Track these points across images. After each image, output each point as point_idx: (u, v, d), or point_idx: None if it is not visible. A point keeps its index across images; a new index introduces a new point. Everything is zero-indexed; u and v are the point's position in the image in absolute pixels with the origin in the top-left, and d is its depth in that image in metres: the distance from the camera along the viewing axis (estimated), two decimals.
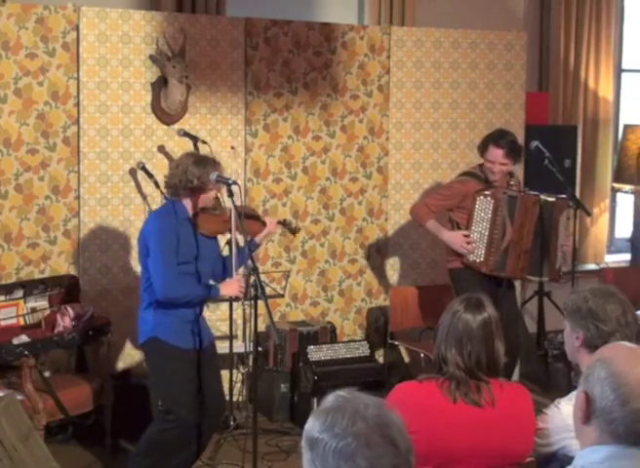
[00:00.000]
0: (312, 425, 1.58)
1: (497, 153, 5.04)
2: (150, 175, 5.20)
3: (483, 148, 5.14)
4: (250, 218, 4.43)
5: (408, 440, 1.57)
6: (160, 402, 4.23)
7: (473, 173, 5.24)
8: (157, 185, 5.10)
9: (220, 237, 4.45)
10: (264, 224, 4.46)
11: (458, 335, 2.71)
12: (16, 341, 4.53)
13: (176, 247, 3.99)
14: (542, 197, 5.09)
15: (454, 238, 5.14)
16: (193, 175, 4.04)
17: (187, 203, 4.12)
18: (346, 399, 1.59)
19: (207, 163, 4.13)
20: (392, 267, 6.09)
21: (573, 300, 2.69)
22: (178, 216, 4.09)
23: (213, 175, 4.39)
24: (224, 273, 4.31)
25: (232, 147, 4.90)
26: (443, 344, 2.74)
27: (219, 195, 4.27)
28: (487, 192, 5.07)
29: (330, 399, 1.61)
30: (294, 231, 4.70)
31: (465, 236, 5.08)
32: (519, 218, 5.04)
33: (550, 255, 5.09)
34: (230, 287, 4.17)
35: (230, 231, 4.23)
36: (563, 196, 5.19)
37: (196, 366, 4.11)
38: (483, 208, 5.07)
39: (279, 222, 4.58)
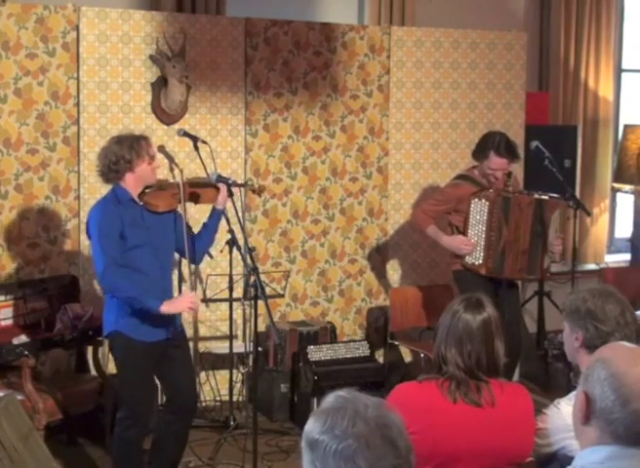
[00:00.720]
0: (312, 426, 1.57)
1: (500, 162, 5.04)
2: None
3: (482, 156, 5.10)
4: (203, 187, 4.35)
5: (408, 440, 1.57)
6: (118, 393, 4.17)
7: (467, 176, 5.25)
8: None
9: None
10: (216, 190, 4.36)
11: (457, 335, 2.71)
12: (16, 341, 4.53)
13: (121, 231, 3.93)
14: (537, 196, 5.09)
15: (452, 242, 5.15)
16: (115, 155, 3.98)
17: (125, 184, 4.03)
18: (346, 399, 1.59)
19: (127, 139, 4.05)
20: (392, 267, 6.09)
21: (571, 301, 2.69)
22: (120, 200, 4.01)
23: (213, 176, 4.38)
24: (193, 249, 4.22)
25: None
26: (443, 344, 2.74)
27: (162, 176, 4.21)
28: (481, 194, 5.07)
29: (329, 399, 1.61)
30: (255, 190, 4.61)
31: (464, 240, 5.09)
32: (514, 219, 5.04)
33: (540, 254, 5.10)
34: (177, 304, 4.00)
35: (181, 202, 4.17)
36: (556, 195, 5.18)
37: (160, 356, 4.05)
38: (478, 210, 5.07)
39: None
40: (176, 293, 4.26)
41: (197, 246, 4.24)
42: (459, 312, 2.74)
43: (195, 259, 4.38)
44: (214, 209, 4.33)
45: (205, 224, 4.35)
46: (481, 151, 5.12)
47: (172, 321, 4.14)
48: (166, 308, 3.92)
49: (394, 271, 6.09)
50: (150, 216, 4.07)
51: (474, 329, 2.71)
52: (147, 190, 4.11)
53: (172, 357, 4.10)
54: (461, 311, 2.74)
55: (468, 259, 5.10)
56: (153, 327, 4.02)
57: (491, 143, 5.06)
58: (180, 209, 4.20)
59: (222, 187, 4.28)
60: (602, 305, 2.62)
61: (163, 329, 4.06)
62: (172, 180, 4.36)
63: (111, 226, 3.93)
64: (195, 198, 4.35)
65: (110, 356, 4.69)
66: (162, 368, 4.10)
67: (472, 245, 5.07)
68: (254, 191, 4.65)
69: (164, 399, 4.33)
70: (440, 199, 5.27)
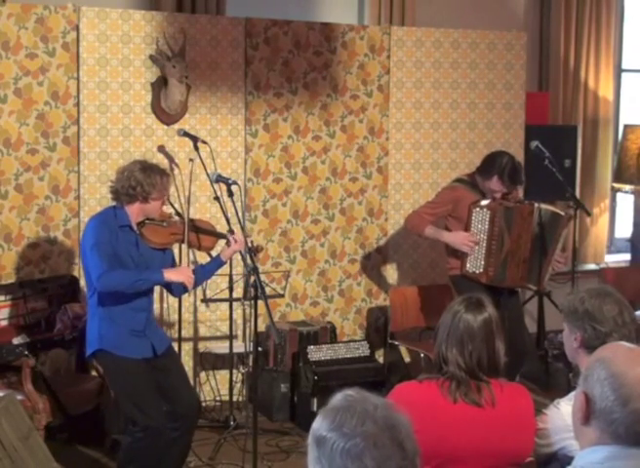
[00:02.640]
0: (320, 423, 1.57)
1: (502, 187, 5.01)
2: None
3: (485, 176, 5.04)
4: (205, 233, 4.35)
5: (415, 442, 1.57)
6: (125, 413, 4.11)
7: (464, 179, 5.23)
8: None
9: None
10: (216, 240, 4.37)
11: (459, 335, 2.71)
12: (16, 341, 4.53)
13: (114, 248, 3.91)
14: (544, 206, 5.08)
15: (455, 237, 5.12)
16: (137, 181, 3.95)
17: (130, 210, 4.02)
18: (355, 399, 1.59)
19: (153, 171, 4.01)
20: (392, 267, 6.09)
21: (570, 302, 2.70)
22: (117, 222, 3.99)
23: (213, 176, 4.37)
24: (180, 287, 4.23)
25: (191, 159, 4.85)
26: (444, 344, 2.74)
27: (166, 208, 4.20)
28: (482, 203, 5.06)
29: (338, 398, 1.60)
30: (253, 251, 4.51)
31: (466, 235, 5.07)
32: (516, 229, 5.03)
33: (543, 266, 5.09)
34: (178, 272, 4.04)
35: (179, 243, 4.17)
36: (571, 212, 5.20)
37: (152, 374, 4.02)
38: (480, 219, 5.06)
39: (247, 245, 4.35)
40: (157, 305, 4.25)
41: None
42: (459, 312, 2.75)
43: (177, 295, 4.44)
44: (217, 256, 4.30)
45: (202, 266, 4.32)
46: (486, 171, 5.04)
47: (156, 336, 4.14)
48: (168, 275, 3.97)
49: (394, 271, 6.09)
50: (145, 246, 4.08)
51: (475, 328, 2.71)
52: (147, 222, 4.09)
53: (163, 368, 4.08)
54: (462, 311, 2.75)
55: (469, 267, 5.10)
56: (135, 344, 4.01)
57: (497, 167, 4.98)
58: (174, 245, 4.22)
59: (234, 242, 4.24)
60: (600, 306, 2.63)
61: (146, 346, 4.05)
62: (176, 218, 4.35)
63: (107, 237, 3.93)
64: (194, 244, 4.33)
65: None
66: (157, 381, 4.05)
67: (475, 241, 5.05)
68: (250, 250, 4.49)
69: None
70: (437, 201, 5.26)
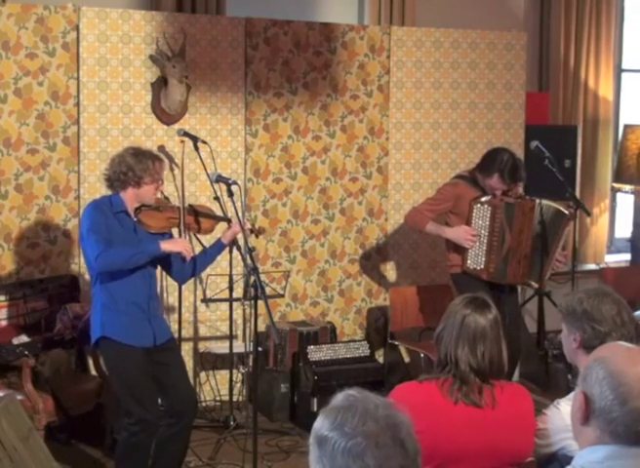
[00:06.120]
0: (322, 423, 1.57)
1: (503, 185, 5.01)
2: None
3: (486, 173, 5.01)
4: (204, 216, 4.36)
5: (416, 442, 1.57)
6: (121, 403, 4.09)
7: (464, 176, 5.23)
8: None
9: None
10: (216, 222, 4.38)
11: (470, 336, 2.69)
12: (16, 341, 4.53)
13: (108, 234, 3.90)
14: (546, 203, 5.08)
15: (456, 232, 5.10)
16: (128, 166, 3.96)
17: (125, 196, 4.02)
18: (356, 398, 1.59)
19: (144, 156, 4.02)
20: (392, 267, 6.09)
21: (568, 302, 2.69)
22: (113, 208, 4.00)
23: (213, 176, 4.38)
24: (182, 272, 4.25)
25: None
26: (453, 344, 2.71)
27: (161, 192, 4.21)
28: (483, 200, 5.06)
29: (339, 397, 1.61)
30: (254, 231, 4.53)
31: (468, 229, 5.05)
32: (517, 225, 5.02)
33: (545, 264, 5.09)
34: (174, 243, 4.02)
35: (177, 227, 4.18)
36: (571, 211, 5.20)
37: (151, 363, 4.01)
38: (480, 215, 5.06)
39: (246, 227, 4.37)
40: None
41: (187, 269, 4.22)
42: (468, 311, 2.73)
43: (180, 281, 4.43)
44: (219, 240, 4.30)
45: (204, 251, 4.32)
46: (486, 169, 5.01)
47: (159, 326, 4.12)
48: (164, 246, 3.95)
49: (394, 271, 6.09)
50: (143, 231, 4.07)
51: (487, 328, 2.70)
52: (144, 208, 4.09)
53: (163, 362, 4.06)
54: (471, 311, 2.73)
55: (470, 264, 5.09)
56: (137, 332, 3.99)
57: (498, 165, 4.95)
58: (176, 230, 4.22)
59: (235, 224, 4.24)
60: (598, 306, 2.63)
61: (148, 335, 4.03)
62: (172, 204, 4.35)
63: (102, 221, 3.94)
64: (193, 227, 4.33)
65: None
66: (156, 375, 4.04)
67: (476, 236, 5.04)
68: (252, 231, 4.52)
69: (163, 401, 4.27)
70: (438, 198, 5.24)
